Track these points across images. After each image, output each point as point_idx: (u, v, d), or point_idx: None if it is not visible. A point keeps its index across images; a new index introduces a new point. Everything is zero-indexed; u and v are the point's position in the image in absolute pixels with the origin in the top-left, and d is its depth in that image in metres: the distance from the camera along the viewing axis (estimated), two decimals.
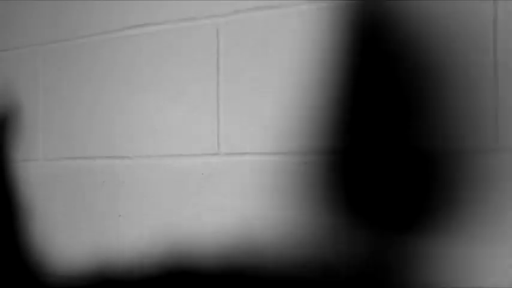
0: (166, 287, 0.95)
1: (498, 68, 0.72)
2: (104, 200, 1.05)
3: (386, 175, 0.78)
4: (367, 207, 0.78)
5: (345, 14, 0.82)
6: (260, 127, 0.89)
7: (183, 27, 0.96)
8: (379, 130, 0.79)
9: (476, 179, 0.73)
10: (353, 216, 0.78)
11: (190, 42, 0.96)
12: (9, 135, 1.18)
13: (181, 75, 0.97)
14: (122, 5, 1.03)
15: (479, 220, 0.73)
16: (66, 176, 1.10)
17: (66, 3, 1.10)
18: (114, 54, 1.04)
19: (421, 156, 0.76)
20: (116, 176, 1.03)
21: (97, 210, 1.06)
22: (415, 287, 0.75)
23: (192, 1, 0.95)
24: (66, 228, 1.10)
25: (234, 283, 0.86)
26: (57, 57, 1.12)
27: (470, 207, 0.74)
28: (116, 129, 1.04)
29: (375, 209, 0.77)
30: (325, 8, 0.84)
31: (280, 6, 0.87)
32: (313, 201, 0.83)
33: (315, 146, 0.84)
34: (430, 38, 0.77)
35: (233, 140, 0.91)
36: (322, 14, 0.84)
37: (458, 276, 0.74)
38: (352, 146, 0.81)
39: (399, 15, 0.78)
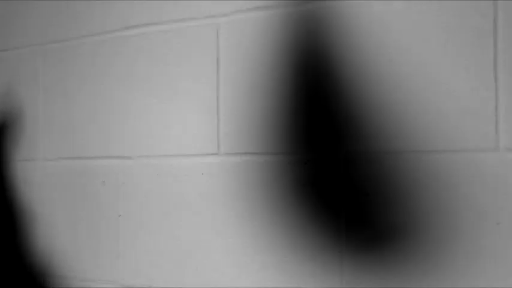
0: None
1: (498, 67, 0.72)
2: (104, 200, 1.05)
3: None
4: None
5: (345, 14, 0.82)
6: (262, 127, 0.89)
7: (183, 27, 0.96)
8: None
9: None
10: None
11: (190, 42, 0.96)
12: (10, 135, 1.18)
13: (181, 75, 0.97)
14: (122, 5, 1.03)
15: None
16: (66, 176, 1.10)
17: (66, 3, 1.10)
18: (114, 54, 1.04)
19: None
20: (116, 176, 1.03)
21: (97, 210, 1.06)
22: None
23: (192, 1, 0.95)
24: (66, 229, 1.10)
25: None
26: (57, 57, 1.12)
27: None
28: (115, 129, 1.04)
29: None
30: (326, 8, 0.84)
31: (280, 6, 0.87)
32: None
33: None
34: (431, 38, 0.77)
35: (233, 139, 0.91)
36: (322, 14, 0.84)
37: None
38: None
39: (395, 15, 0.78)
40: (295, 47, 0.86)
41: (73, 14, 1.09)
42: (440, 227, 0.75)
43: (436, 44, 0.76)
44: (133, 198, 1.01)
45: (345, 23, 0.82)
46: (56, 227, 1.11)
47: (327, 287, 0.83)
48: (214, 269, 0.93)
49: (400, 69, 0.78)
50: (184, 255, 0.96)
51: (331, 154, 0.83)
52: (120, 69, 1.03)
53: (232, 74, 0.92)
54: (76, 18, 1.09)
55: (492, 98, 0.73)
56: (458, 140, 0.75)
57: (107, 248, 1.04)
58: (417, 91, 0.77)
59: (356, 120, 0.81)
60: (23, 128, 1.16)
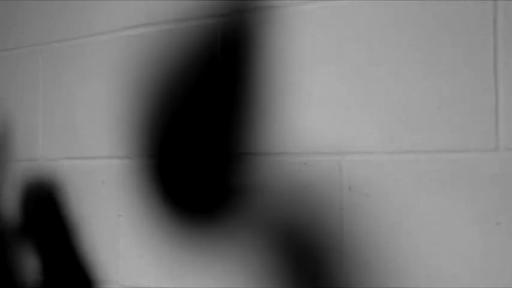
0: None
1: (498, 67, 0.72)
2: (104, 199, 1.05)
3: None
4: None
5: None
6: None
7: (183, 27, 0.96)
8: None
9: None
10: None
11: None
12: (9, 136, 1.18)
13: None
14: (122, 5, 1.03)
15: None
16: (66, 176, 1.10)
17: (66, 3, 1.10)
18: (114, 54, 1.04)
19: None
20: (116, 176, 1.03)
21: (97, 210, 1.06)
22: None
23: (192, 1, 0.95)
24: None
25: None
26: (57, 57, 1.12)
27: None
28: (115, 129, 1.04)
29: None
30: (326, 8, 0.84)
31: (281, 6, 0.87)
32: None
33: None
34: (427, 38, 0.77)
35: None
36: (322, 14, 0.84)
37: None
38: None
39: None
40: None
41: (73, 14, 1.09)
42: (440, 227, 0.75)
43: (437, 44, 0.76)
44: (133, 198, 1.01)
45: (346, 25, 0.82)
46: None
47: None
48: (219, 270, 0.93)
49: (400, 70, 0.78)
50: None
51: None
52: (120, 69, 1.03)
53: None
54: (76, 18, 1.09)
55: (492, 98, 0.73)
56: (458, 140, 0.74)
57: (107, 248, 1.04)
58: (417, 91, 0.77)
59: None
60: (23, 128, 1.16)
